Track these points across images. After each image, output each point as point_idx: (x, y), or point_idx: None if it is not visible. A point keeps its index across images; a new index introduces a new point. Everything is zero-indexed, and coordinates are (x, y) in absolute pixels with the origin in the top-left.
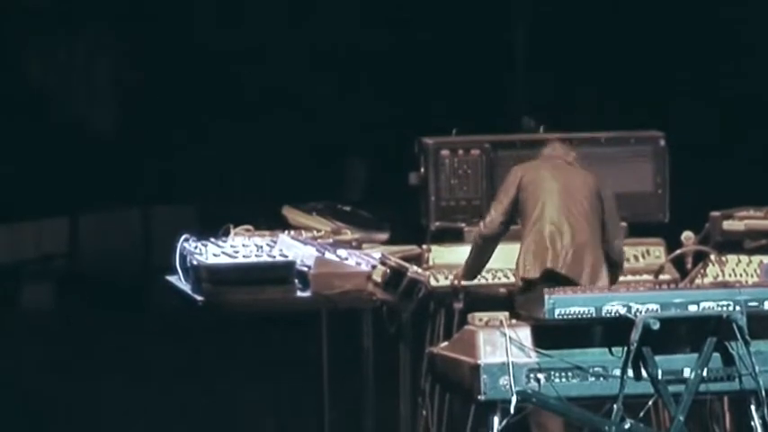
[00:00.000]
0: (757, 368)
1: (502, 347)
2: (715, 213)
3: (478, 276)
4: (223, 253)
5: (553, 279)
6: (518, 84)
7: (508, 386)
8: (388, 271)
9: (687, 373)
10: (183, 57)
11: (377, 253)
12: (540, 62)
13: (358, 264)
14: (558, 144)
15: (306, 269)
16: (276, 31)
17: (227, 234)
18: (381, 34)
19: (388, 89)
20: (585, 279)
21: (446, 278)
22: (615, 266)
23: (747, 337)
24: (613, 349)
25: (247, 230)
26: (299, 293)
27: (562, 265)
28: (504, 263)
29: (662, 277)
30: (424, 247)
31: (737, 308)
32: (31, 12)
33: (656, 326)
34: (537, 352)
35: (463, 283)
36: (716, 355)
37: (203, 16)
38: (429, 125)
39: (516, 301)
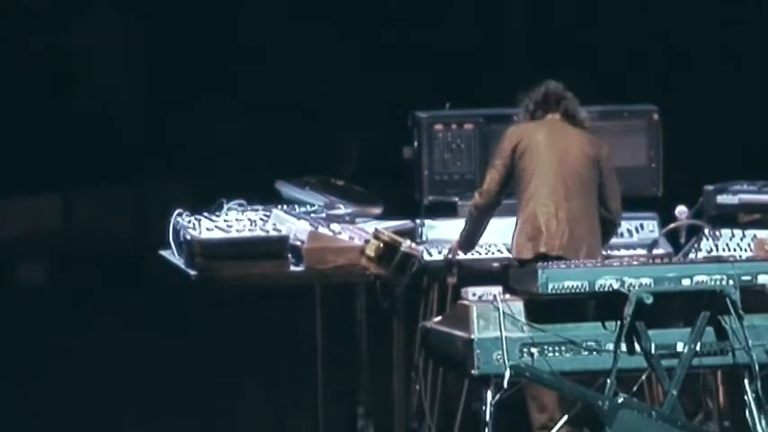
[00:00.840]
0: (750, 342)
1: (495, 322)
2: (709, 187)
3: (472, 251)
4: (216, 227)
5: (548, 259)
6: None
7: (501, 360)
8: (382, 245)
9: (680, 347)
10: (174, 34)
11: (370, 227)
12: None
13: (351, 238)
14: (569, 102)
15: (299, 243)
16: (274, 27)
17: (220, 208)
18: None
19: (380, 62)
20: (583, 255)
21: (440, 252)
22: (610, 225)
23: (741, 312)
24: (607, 323)
25: (240, 205)
26: (292, 268)
27: (558, 246)
28: (498, 237)
29: (655, 251)
30: (418, 221)
31: (731, 282)
32: None
33: (650, 300)
34: (530, 326)
35: (458, 257)
36: (709, 329)
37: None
38: (422, 99)
39: (510, 275)
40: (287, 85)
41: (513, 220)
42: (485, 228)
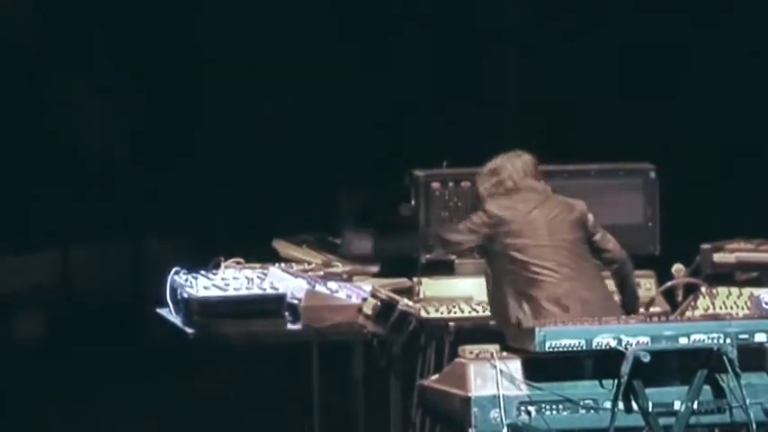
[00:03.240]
0: (748, 401)
1: (492, 380)
2: (706, 246)
3: (469, 309)
4: (214, 286)
5: None
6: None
7: (499, 419)
8: (379, 303)
9: (678, 405)
10: (173, 91)
11: (367, 285)
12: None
13: (348, 296)
14: (531, 181)
15: (296, 302)
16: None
17: (217, 267)
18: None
19: (378, 120)
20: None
21: (437, 311)
22: (621, 264)
23: (738, 370)
24: (604, 382)
25: (238, 263)
26: (289, 326)
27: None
28: None
29: (652, 310)
30: (415, 279)
31: (728, 340)
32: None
33: (647, 358)
34: (527, 384)
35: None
36: (706, 387)
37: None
38: (419, 157)
39: (507, 333)
40: (284, 143)
41: None
42: None
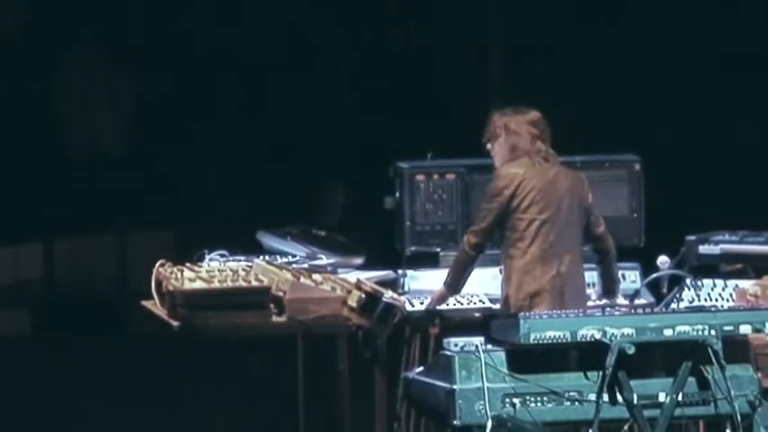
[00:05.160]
0: (732, 392)
1: (477, 372)
2: (690, 237)
3: (454, 302)
4: (199, 278)
5: None
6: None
7: (483, 411)
8: (364, 296)
9: (662, 397)
10: (159, 84)
11: (352, 278)
12: (515, 84)
13: (333, 289)
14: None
15: (281, 294)
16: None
17: (202, 259)
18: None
19: (362, 112)
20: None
21: (421, 303)
22: (607, 252)
23: (723, 362)
24: (588, 373)
25: (222, 255)
26: (274, 318)
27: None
28: (480, 287)
29: (637, 301)
30: (400, 271)
31: (713, 332)
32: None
33: (632, 350)
34: (512, 376)
35: (440, 306)
36: (691, 379)
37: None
38: (404, 149)
39: (491, 325)
40: (269, 135)
41: (494, 270)
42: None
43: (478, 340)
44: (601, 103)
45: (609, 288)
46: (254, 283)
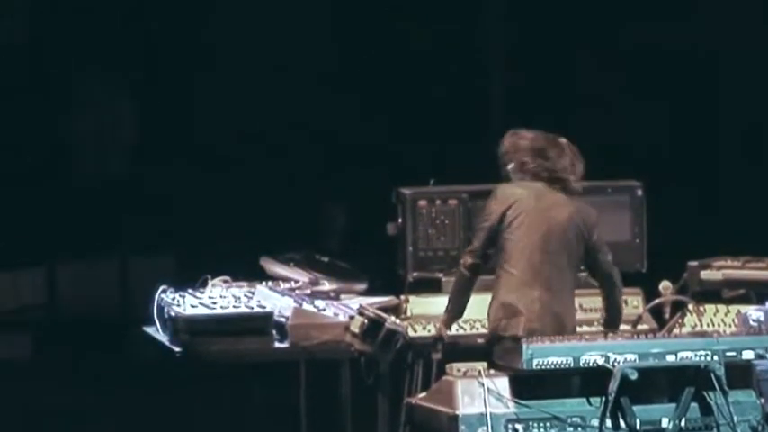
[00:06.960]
0: (735, 418)
1: (480, 398)
2: (693, 263)
3: (456, 327)
4: (201, 304)
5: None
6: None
7: None
8: (366, 321)
9: (665, 423)
10: (162, 111)
11: (355, 303)
12: (516, 108)
13: (336, 314)
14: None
15: (284, 320)
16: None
17: (204, 285)
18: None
19: (365, 137)
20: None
21: (424, 329)
22: (613, 286)
23: (725, 387)
24: (591, 399)
25: (225, 281)
26: (276, 344)
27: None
28: (482, 313)
29: (640, 327)
30: (402, 297)
31: (715, 357)
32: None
33: (635, 376)
34: (515, 402)
35: (448, 332)
36: (694, 404)
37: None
38: (407, 175)
39: (494, 351)
40: (271, 161)
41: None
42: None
43: (481, 366)
44: (604, 127)
45: (612, 321)
46: (257, 309)
